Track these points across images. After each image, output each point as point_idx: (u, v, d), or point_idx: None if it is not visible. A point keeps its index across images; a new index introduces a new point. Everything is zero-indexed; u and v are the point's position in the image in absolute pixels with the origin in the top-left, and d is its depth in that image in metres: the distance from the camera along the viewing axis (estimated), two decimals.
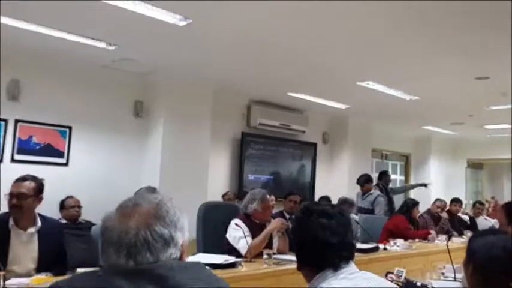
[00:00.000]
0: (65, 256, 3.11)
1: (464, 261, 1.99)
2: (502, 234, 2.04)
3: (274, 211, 5.40)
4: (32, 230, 2.93)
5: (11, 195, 2.90)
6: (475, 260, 1.91)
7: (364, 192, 7.53)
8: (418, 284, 2.81)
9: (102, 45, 4.59)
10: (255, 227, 3.93)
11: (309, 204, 1.75)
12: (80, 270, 2.61)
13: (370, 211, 6.96)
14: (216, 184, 6.53)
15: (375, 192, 7.49)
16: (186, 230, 1.23)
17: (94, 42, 4.53)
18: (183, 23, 3.94)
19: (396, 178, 10.89)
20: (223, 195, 6.21)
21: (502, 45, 4.39)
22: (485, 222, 7.44)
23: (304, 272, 1.63)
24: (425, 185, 8.83)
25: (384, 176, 8.51)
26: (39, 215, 3.02)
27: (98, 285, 1.11)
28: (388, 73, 5.67)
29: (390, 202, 8.31)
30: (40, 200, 2.98)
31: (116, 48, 4.70)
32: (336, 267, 1.53)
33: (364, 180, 7.62)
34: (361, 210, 6.93)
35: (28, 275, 2.77)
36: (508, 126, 8.79)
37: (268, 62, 5.30)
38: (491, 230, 2.17)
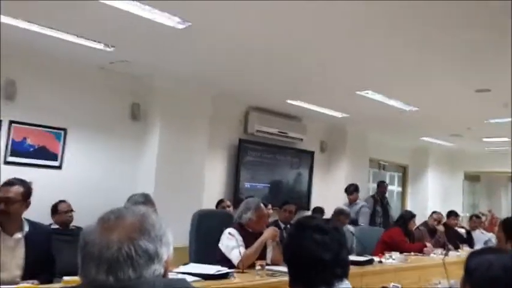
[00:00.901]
0: (53, 263, 3.04)
1: (462, 280, 1.94)
2: (501, 252, 1.99)
3: (270, 220, 5.35)
4: (18, 235, 2.86)
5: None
6: (473, 280, 1.85)
7: (351, 201, 7.56)
8: None
9: (99, 46, 4.53)
10: (249, 237, 3.87)
11: (303, 218, 1.70)
12: (66, 278, 2.55)
13: (355, 221, 6.96)
14: (212, 191, 6.47)
15: (361, 202, 7.59)
16: (171, 245, 1.17)
17: (91, 44, 4.47)
18: (182, 26, 3.90)
19: (393, 189, 10.85)
20: (218, 203, 6.14)
21: (504, 58, 4.35)
22: (481, 236, 7.39)
23: None
24: None
25: (379, 186, 8.48)
26: (27, 220, 2.95)
27: None
28: (388, 83, 5.64)
29: (385, 213, 8.27)
30: (28, 205, 2.91)
31: (114, 50, 4.64)
32: (329, 285, 1.47)
33: (352, 190, 7.66)
34: None
35: (14, 282, 2.69)
36: (506, 139, 8.77)
37: (268, 68, 5.26)
38: (490, 249, 2.12)
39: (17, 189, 2.85)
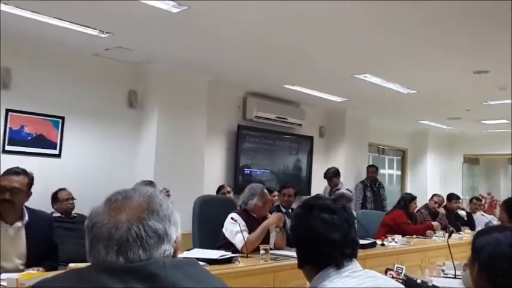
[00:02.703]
0: (55, 249, 3.02)
1: (469, 260, 1.93)
2: (508, 230, 1.97)
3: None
4: (19, 224, 2.83)
5: (3, 188, 2.79)
6: (481, 258, 1.84)
7: (333, 186, 7.35)
8: (418, 281, 2.75)
9: (94, 32, 4.46)
10: (252, 222, 3.87)
11: (310, 199, 1.68)
12: (72, 265, 2.53)
13: None
14: (212, 177, 6.45)
15: (343, 186, 7.32)
16: (179, 225, 1.15)
17: (86, 30, 4.39)
18: (177, 10, 3.83)
19: (393, 173, 10.86)
20: (219, 189, 6.12)
21: (502, 39, 4.32)
22: (482, 218, 7.40)
23: (305, 270, 1.55)
24: None
25: (368, 170, 8.40)
26: (27, 208, 2.92)
27: (81, 286, 1.02)
28: (386, 66, 5.60)
29: (378, 198, 8.24)
30: (30, 194, 2.89)
31: (109, 36, 4.58)
32: (338, 265, 1.45)
33: (332, 174, 7.44)
34: None
35: (17, 270, 2.68)
36: (505, 121, 8.76)
37: (265, 53, 5.21)
38: (496, 227, 2.09)
39: (23, 179, 2.83)
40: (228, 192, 6.00)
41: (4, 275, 2.47)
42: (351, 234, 1.53)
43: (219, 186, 6.19)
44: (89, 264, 1.08)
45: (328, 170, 7.58)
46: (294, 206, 5.23)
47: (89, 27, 4.36)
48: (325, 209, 1.54)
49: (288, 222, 4.45)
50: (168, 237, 1.10)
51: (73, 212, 4.55)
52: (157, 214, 1.10)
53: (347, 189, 7.02)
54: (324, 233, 1.49)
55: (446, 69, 5.58)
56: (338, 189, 7.01)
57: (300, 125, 7.77)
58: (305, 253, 1.55)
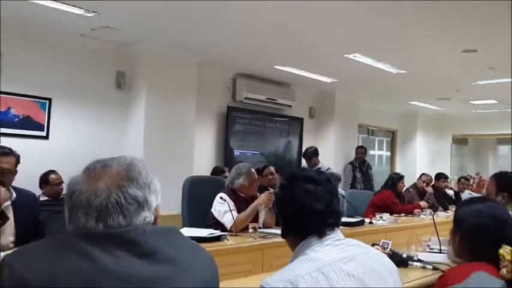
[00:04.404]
0: (42, 228, 3.04)
1: (452, 230, 1.96)
2: (489, 201, 2.00)
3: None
4: (7, 202, 2.84)
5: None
6: (462, 229, 1.87)
7: (312, 166, 7.22)
8: (404, 255, 2.79)
9: (80, 11, 4.40)
10: (240, 201, 3.89)
11: (295, 170, 1.69)
12: None
13: None
14: (202, 159, 6.46)
15: (324, 165, 7.25)
16: (159, 193, 1.15)
17: (72, 9, 4.33)
18: None
19: (382, 154, 10.92)
20: (214, 170, 6.13)
21: (490, 17, 4.33)
22: (470, 197, 7.48)
23: (288, 239, 1.57)
24: None
25: (357, 151, 8.44)
26: (13, 187, 2.92)
27: (59, 255, 1.01)
28: (376, 46, 5.59)
29: (367, 178, 8.30)
30: (16, 173, 2.90)
31: (95, 16, 4.52)
32: (320, 234, 1.47)
33: (311, 153, 7.36)
34: None
35: (8, 248, 2.69)
36: (493, 101, 8.82)
37: (255, 33, 5.18)
38: (478, 198, 2.13)
39: (11, 159, 2.84)
40: (223, 171, 5.97)
41: None
42: (334, 204, 1.55)
43: (217, 169, 6.19)
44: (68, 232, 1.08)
45: (307, 149, 7.51)
46: None
47: (74, 6, 4.30)
48: (309, 179, 1.55)
49: None
50: (148, 205, 1.11)
51: (62, 194, 4.53)
52: (136, 182, 1.10)
53: (328, 169, 7.00)
54: (307, 202, 1.50)
55: (435, 48, 5.58)
56: (319, 169, 6.87)
57: (290, 106, 7.77)
58: (288, 223, 1.56)
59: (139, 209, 1.09)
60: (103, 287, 0.98)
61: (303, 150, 7.64)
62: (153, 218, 1.12)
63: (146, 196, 1.10)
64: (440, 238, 3.40)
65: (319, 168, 7.03)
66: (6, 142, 4.14)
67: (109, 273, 0.99)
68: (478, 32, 4.94)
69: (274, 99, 7.42)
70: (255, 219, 3.86)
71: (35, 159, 4.53)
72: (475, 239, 1.82)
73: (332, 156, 8.16)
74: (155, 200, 1.14)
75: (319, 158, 7.44)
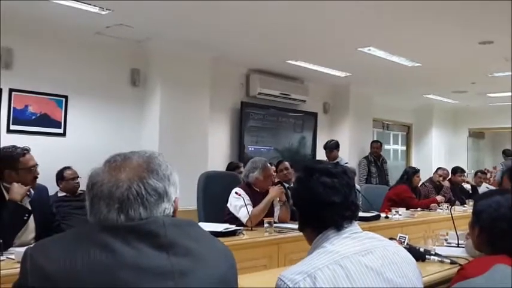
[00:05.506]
0: (57, 220, 3.10)
1: (471, 223, 1.94)
2: (509, 194, 1.97)
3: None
4: (27, 200, 2.88)
5: (33, 167, 2.85)
6: (481, 221, 1.85)
7: (331, 159, 7.16)
8: (421, 249, 2.76)
9: (94, 9, 4.44)
10: (255, 196, 3.89)
11: (310, 163, 1.68)
12: None
13: None
14: (216, 155, 6.48)
15: (343, 159, 7.21)
16: (178, 185, 1.16)
17: (86, 7, 4.37)
18: None
19: (398, 148, 10.85)
20: (229, 165, 6.14)
21: (507, 7, 4.25)
22: (487, 190, 7.39)
23: (305, 233, 1.56)
24: None
25: (372, 146, 8.38)
26: None
27: (79, 246, 1.02)
28: (390, 38, 5.54)
29: (382, 173, 8.24)
30: None
31: (109, 13, 4.55)
32: (338, 227, 1.46)
33: (332, 146, 7.28)
34: None
35: (30, 244, 2.73)
36: (510, 94, 8.68)
37: (268, 28, 5.17)
38: (497, 191, 2.10)
39: (32, 155, 2.88)
40: (238, 167, 5.98)
41: (12, 249, 2.51)
42: (351, 197, 1.54)
43: (233, 165, 6.20)
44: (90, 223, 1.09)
45: (328, 141, 7.49)
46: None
47: (89, 4, 4.33)
48: (325, 172, 1.54)
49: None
50: (168, 196, 1.12)
51: (79, 190, 4.58)
52: (156, 173, 1.11)
53: (346, 163, 6.94)
54: (324, 196, 1.50)
55: (451, 40, 5.52)
56: (337, 163, 6.92)
57: (304, 101, 7.75)
58: (306, 216, 1.56)
59: (159, 200, 1.10)
60: (122, 279, 0.99)
61: (323, 144, 7.59)
62: (172, 210, 1.14)
63: (166, 188, 1.12)
64: (458, 232, 3.37)
65: (338, 162, 6.99)
66: (24, 140, 4.22)
67: (128, 265, 1.00)
68: (494, 23, 4.86)
69: (288, 95, 7.40)
70: (271, 213, 3.86)
71: (52, 156, 4.59)
72: (494, 231, 1.79)
73: (346, 151, 8.11)
74: (174, 192, 1.15)
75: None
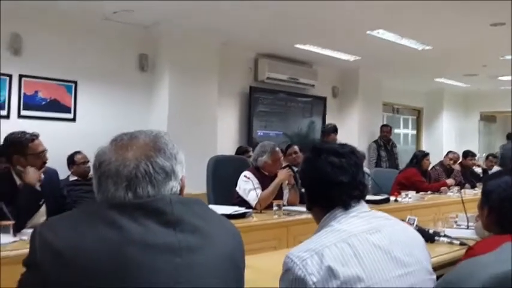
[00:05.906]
0: (68, 202, 3.12)
1: (480, 203, 1.93)
2: None
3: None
4: (38, 183, 2.90)
5: (43, 152, 2.87)
6: (490, 201, 1.84)
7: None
8: (431, 231, 2.76)
9: None
10: (264, 180, 3.91)
11: (318, 143, 1.68)
12: None
13: None
14: (225, 140, 6.49)
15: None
16: (184, 164, 1.17)
17: None
18: None
19: (408, 132, 10.79)
20: (238, 150, 6.14)
21: None
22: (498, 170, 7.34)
23: (313, 212, 1.57)
24: None
25: (381, 130, 8.33)
26: None
27: (87, 223, 1.03)
28: (400, 21, 5.48)
29: (392, 157, 8.21)
30: None
31: None
32: (346, 206, 1.46)
33: (329, 130, 7.16)
34: None
35: None
36: None
37: (276, 12, 5.12)
38: (507, 171, 2.08)
39: (41, 141, 2.90)
40: (247, 151, 5.99)
41: (24, 231, 2.54)
42: (359, 176, 1.54)
43: (242, 149, 6.21)
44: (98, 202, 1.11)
45: (326, 125, 7.46)
46: None
47: None
48: (333, 152, 1.54)
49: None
50: (175, 175, 1.13)
51: (89, 174, 4.62)
52: (163, 152, 1.12)
53: None
54: (332, 175, 1.50)
55: (462, 22, 5.44)
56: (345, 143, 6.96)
57: (313, 85, 7.71)
58: (314, 196, 1.56)
59: (166, 178, 1.10)
60: (129, 255, 1.00)
61: (324, 128, 7.56)
62: (179, 188, 1.14)
63: (173, 166, 1.12)
64: (468, 214, 3.35)
65: None
66: (35, 125, 4.26)
67: (135, 241, 1.01)
68: (506, 5, 4.77)
69: (297, 79, 7.37)
70: (279, 196, 3.88)
71: (63, 141, 4.63)
72: (504, 211, 1.78)
73: (356, 135, 8.08)
74: (181, 171, 1.15)
75: (338, 136, 7.37)
